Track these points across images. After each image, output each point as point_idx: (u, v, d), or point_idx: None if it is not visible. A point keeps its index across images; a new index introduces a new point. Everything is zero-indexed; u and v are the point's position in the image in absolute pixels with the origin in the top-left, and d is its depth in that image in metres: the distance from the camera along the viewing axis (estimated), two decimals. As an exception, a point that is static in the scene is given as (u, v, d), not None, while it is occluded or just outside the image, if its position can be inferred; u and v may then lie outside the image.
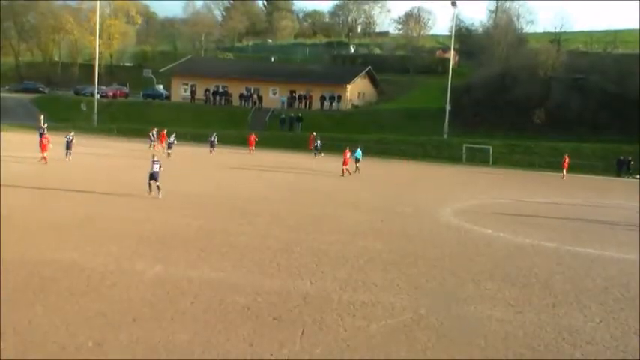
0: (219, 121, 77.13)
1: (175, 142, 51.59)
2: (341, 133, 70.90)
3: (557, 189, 39.36)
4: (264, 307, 14.49)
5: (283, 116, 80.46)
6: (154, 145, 54.66)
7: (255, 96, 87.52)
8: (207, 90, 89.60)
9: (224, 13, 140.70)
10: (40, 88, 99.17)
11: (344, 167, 44.74)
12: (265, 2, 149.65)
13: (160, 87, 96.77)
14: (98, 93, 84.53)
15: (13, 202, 26.54)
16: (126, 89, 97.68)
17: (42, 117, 66.57)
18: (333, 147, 60.37)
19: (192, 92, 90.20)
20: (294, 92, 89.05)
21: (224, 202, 30.48)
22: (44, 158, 39.00)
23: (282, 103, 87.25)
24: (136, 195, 30.64)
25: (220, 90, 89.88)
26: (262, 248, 20.66)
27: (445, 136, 73.39)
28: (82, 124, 73.81)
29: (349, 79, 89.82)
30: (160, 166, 30.24)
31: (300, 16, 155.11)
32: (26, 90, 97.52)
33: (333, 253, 20.34)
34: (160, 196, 29.59)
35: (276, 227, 24.59)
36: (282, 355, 11.96)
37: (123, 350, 11.82)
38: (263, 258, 19.33)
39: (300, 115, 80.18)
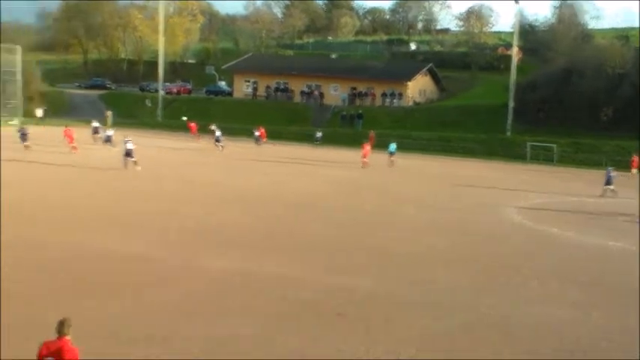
0: (280, 118, 77.55)
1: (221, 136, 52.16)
2: (402, 130, 70.55)
3: (624, 188, 38.50)
4: (329, 304, 14.61)
5: (344, 113, 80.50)
6: (217, 145, 54.27)
7: (316, 92, 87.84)
8: (268, 87, 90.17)
9: (284, 10, 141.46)
10: (107, 85, 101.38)
11: (363, 159, 45.64)
12: (325, 0, 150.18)
13: (223, 83, 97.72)
14: (162, 89, 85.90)
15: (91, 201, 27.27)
16: (189, 86, 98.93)
17: (109, 113, 68.30)
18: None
19: (254, 89, 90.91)
20: (355, 89, 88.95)
21: (281, 198, 30.65)
22: (74, 148, 39.63)
23: (343, 100, 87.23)
24: (199, 191, 31.15)
25: (281, 87, 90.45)
26: (326, 245, 20.79)
27: (508, 134, 72.32)
28: (147, 119, 75.07)
29: (410, 76, 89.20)
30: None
31: (361, 13, 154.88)
32: (94, 87, 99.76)
33: (396, 251, 20.34)
34: (139, 168, 34.23)
35: (339, 224, 24.66)
36: (346, 352, 12.05)
37: (189, 343, 12.08)
38: (327, 254, 19.45)
39: (360, 111, 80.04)
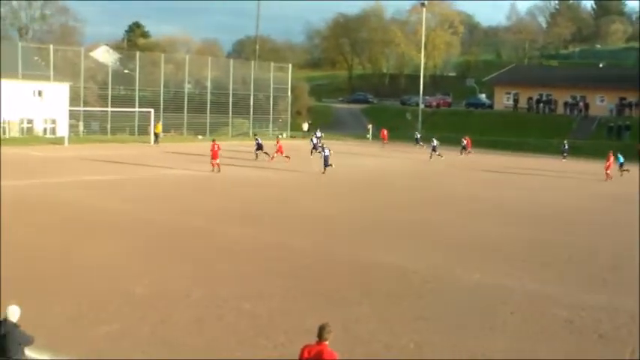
0: (541, 130, 75.06)
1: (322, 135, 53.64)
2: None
3: None
4: (589, 323, 13.95)
5: (611, 124, 76.11)
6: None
7: (581, 104, 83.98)
8: (530, 98, 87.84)
9: (549, 19, 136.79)
10: (369, 99, 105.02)
11: (606, 171, 44.06)
12: (594, 5, 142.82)
13: (483, 96, 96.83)
14: (423, 103, 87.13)
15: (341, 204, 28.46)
16: (449, 99, 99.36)
17: (370, 126, 70.66)
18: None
19: (515, 101, 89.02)
20: (624, 99, 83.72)
21: (533, 208, 29.62)
22: (214, 165, 38.57)
23: (611, 110, 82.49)
24: (446, 202, 31.15)
25: (544, 98, 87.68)
26: (587, 261, 19.83)
27: None
28: (406, 132, 76.68)
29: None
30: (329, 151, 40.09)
31: (633, 18, 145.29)
32: (356, 101, 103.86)
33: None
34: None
35: (605, 240, 23.36)
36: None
37: (442, 354, 12.17)
38: (588, 271, 18.56)
39: (628, 123, 75.17)
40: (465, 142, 59.02)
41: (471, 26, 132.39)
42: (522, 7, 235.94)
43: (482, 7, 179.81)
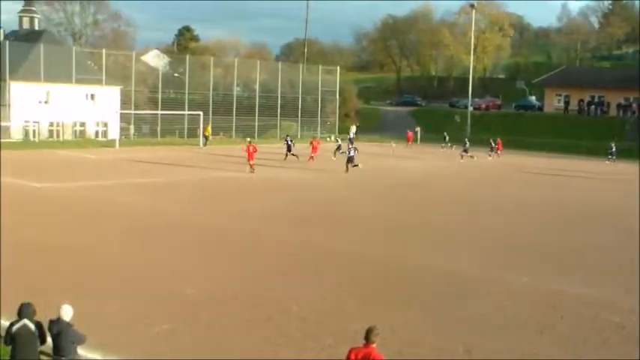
0: (592, 132, 73.85)
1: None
2: None
3: None
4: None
5: (665, 126, 74.73)
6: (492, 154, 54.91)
7: (634, 105, 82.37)
8: (581, 100, 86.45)
9: (601, 19, 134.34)
10: (418, 102, 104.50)
11: None
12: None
13: (533, 98, 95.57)
14: (471, 105, 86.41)
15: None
16: (498, 101, 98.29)
17: (418, 129, 70.24)
18: None
19: (566, 103, 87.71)
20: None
21: (581, 210, 29.13)
22: (251, 166, 38.87)
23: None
24: (484, 203, 30.87)
25: (596, 100, 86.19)
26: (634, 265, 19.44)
27: None
28: (455, 134, 76.10)
29: None
30: (356, 150, 42.26)
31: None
32: (405, 104, 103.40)
33: None
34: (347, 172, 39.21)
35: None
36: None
37: (490, 358, 12.07)
38: (640, 277, 18.22)
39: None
40: (493, 143, 58.55)
41: (522, 28, 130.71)
42: (574, 7, 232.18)
43: (533, 7, 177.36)
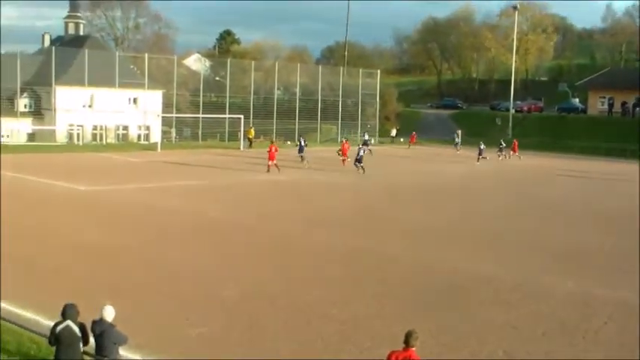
0: (635, 134, 72.53)
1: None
2: None
3: None
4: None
5: None
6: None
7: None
8: (625, 103, 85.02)
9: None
10: (458, 104, 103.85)
11: None
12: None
13: (576, 100, 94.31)
14: (513, 108, 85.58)
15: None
16: (540, 104, 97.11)
17: (459, 132, 69.71)
18: None
19: (610, 105, 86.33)
20: None
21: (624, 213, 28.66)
22: (268, 166, 39.30)
23: None
24: (526, 207, 30.50)
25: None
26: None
27: None
28: (496, 137, 75.41)
29: None
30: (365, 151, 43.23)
31: None
32: (445, 106, 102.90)
33: None
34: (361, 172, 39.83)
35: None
36: None
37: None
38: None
39: None
40: (503, 143, 57.87)
41: (565, 29, 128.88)
42: (619, 7, 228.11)
43: (577, 8, 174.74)
